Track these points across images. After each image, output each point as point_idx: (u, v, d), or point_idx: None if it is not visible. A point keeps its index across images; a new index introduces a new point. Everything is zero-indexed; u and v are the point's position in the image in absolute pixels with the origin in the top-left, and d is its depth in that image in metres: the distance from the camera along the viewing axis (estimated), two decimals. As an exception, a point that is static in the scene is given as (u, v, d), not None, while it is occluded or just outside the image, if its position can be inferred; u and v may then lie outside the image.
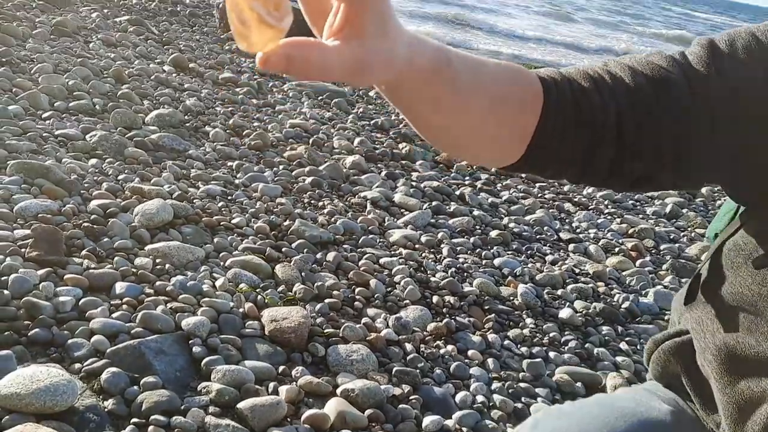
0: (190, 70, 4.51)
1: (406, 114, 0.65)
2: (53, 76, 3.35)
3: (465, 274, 2.39)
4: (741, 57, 0.65)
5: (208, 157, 2.95)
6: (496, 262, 2.55)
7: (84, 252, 1.89)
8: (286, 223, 2.42)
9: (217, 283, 1.92)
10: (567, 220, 3.30)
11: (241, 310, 1.82)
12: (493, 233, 2.82)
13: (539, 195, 3.65)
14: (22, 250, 1.81)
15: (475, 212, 3.05)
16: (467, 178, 3.66)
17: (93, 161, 2.54)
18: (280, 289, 1.99)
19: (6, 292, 1.61)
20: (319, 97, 4.85)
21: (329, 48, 0.49)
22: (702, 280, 0.80)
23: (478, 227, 2.90)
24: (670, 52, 0.70)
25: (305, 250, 2.26)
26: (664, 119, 0.65)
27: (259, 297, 1.90)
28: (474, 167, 3.90)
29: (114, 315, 1.66)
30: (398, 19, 0.54)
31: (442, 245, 2.59)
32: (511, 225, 2.99)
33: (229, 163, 2.94)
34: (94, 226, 2.03)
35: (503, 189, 3.62)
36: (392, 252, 2.46)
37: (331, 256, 2.26)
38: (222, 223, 2.31)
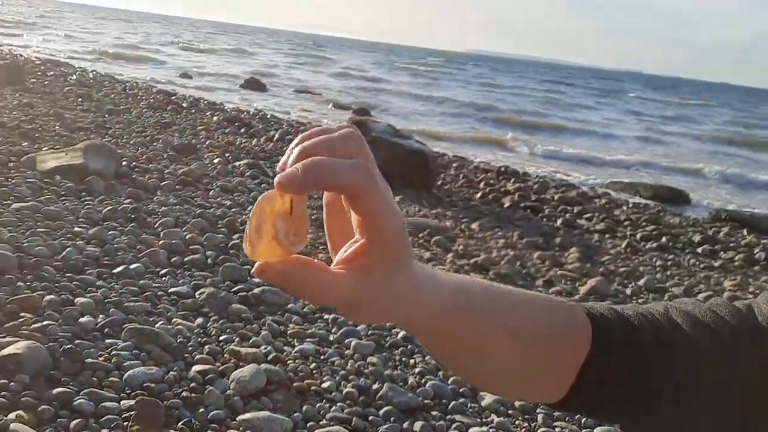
0: (297, 213, 4.78)
1: (432, 350, 0.62)
2: (173, 231, 3.67)
3: (561, 447, 2.27)
4: None
5: (306, 310, 3.06)
6: (597, 431, 2.40)
7: (180, 425, 1.98)
8: (375, 386, 2.43)
9: (302, 461, 1.94)
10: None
11: (323, 493, 1.82)
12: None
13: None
14: (125, 423, 1.93)
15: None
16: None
17: (199, 320, 2.70)
18: (364, 466, 1.97)
19: (105, 473, 1.71)
20: (419, 234, 4.96)
21: (329, 275, 0.48)
22: None
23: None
24: (736, 303, 0.66)
25: (392, 419, 2.25)
26: (730, 386, 0.61)
27: (343, 477, 1.89)
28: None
29: (200, 499, 1.70)
30: (419, 264, 0.54)
31: (537, 411, 2.49)
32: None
33: (326, 316, 3.03)
34: (192, 395, 2.14)
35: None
36: (483, 419, 2.38)
37: (418, 426, 2.22)
38: (312, 388, 2.35)
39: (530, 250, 5.25)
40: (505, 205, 6.98)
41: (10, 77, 8.19)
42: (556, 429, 2.39)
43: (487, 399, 2.49)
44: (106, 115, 7.25)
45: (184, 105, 9.74)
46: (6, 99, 6.87)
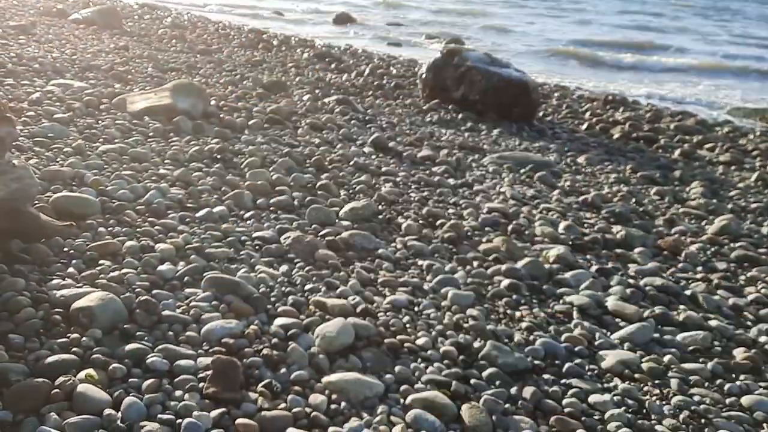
0: (390, 149, 4.50)
1: None
2: (259, 171, 3.48)
3: (702, 421, 1.90)
4: None
5: (399, 255, 2.80)
6: (745, 401, 2.01)
7: (260, 387, 1.79)
8: (477, 344, 2.14)
9: (394, 431, 1.70)
10: (840, 330, 2.59)
11: (418, 472, 1.57)
12: (739, 354, 2.27)
13: (798, 291, 2.95)
14: (201, 384, 1.76)
15: (713, 322, 2.50)
16: (700, 269, 3.09)
17: (284, 268, 2.50)
18: (466, 440, 1.71)
19: (177, 441, 1.54)
20: (521, 170, 4.55)
21: None
22: None
23: (717, 344, 2.36)
24: None
25: (497, 383, 1.96)
26: None
27: (441, 453, 1.64)
28: (708, 253, 3.29)
29: (279, 475, 1.50)
30: None
31: (669, 374, 2.12)
32: (763, 339, 2.40)
33: (420, 262, 2.75)
34: (274, 353, 1.94)
35: (748, 284, 2.98)
36: (604, 384, 2.05)
37: (528, 391, 1.93)
38: (406, 345, 2.10)
39: (646, 185, 4.72)
40: (615, 137, 6.38)
41: (108, 21, 8.27)
42: (694, 397, 2.02)
43: (609, 359, 2.15)
44: (198, 56, 7.18)
45: (275, 43, 9.57)
46: (103, 42, 6.90)
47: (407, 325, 2.22)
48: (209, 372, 1.79)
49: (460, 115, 6.26)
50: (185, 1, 16.11)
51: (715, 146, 6.29)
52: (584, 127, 6.67)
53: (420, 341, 2.13)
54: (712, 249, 3.40)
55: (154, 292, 2.15)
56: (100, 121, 3.90)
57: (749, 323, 2.57)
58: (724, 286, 2.90)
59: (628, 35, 17.53)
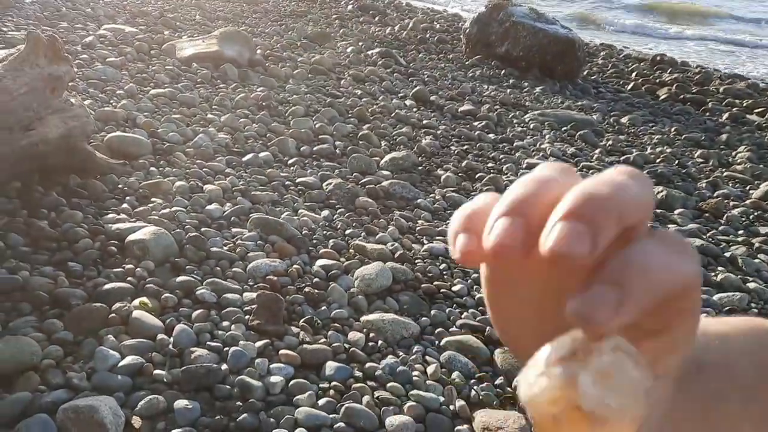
0: (431, 103, 4.50)
1: None
2: (302, 119, 3.54)
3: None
4: None
5: (437, 206, 2.85)
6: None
7: (302, 322, 1.88)
8: (512, 293, 2.20)
9: (429, 370, 1.77)
10: None
11: (451, 407, 1.65)
12: (772, 316, 2.27)
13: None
14: (246, 317, 1.85)
15: (751, 284, 2.50)
16: (742, 232, 3.06)
17: (325, 213, 2.58)
18: (498, 381, 1.78)
19: (224, 366, 1.65)
20: (563, 128, 4.51)
21: None
22: None
23: (754, 306, 2.36)
24: None
25: (530, 330, 2.02)
26: None
27: (473, 392, 1.71)
28: (751, 218, 3.26)
29: (320, 402, 1.60)
30: None
31: (700, 331, 2.15)
32: (799, 304, 2.40)
33: (459, 214, 2.80)
34: (315, 291, 2.03)
35: (790, 248, 2.95)
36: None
37: (559, 340, 1.98)
38: (442, 291, 2.17)
39: (690, 148, 4.63)
40: (661, 98, 6.22)
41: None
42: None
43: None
44: (244, 5, 7.20)
45: (320, -7, 9.50)
46: (150, -10, 6.96)
47: (444, 273, 2.29)
48: (254, 306, 1.89)
49: (503, 72, 6.18)
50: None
51: (766, 111, 6.09)
52: (630, 87, 6.52)
53: (456, 288, 2.19)
54: (756, 213, 3.36)
55: (203, 229, 2.25)
56: (150, 66, 3.99)
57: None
58: (766, 250, 2.88)
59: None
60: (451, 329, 1.98)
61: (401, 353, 1.84)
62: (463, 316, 2.05)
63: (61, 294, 1.77)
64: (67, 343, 1.65)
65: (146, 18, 5.26)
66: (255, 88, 4.00)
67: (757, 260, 2.74)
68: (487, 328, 1.98)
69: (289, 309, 1.94)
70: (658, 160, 4.13)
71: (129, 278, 1.92)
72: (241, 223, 2.37)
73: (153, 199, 2.39)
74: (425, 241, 2.50)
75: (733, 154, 4.58)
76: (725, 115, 5.72)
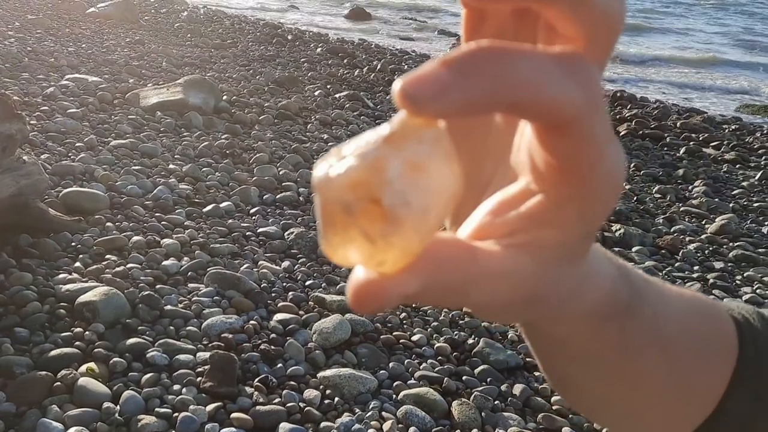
0: (398, 145, 4.53)
1: (542, 362, 0.45)
2: (266, 167, 3.53)
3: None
4: None
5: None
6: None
7: (256, 381, 1.84)
8: (471, 341, 2.18)
9: (385, 427, 1.74)
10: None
11: (406, 466, 1.62)
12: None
13: (800, 289, 2.95)
14: (199, 379, 1.81)
15: (709, 322, 2.52)
16: (697, 268, 3.09)
17: (286, 263, 2.55)
18: (454, 436, 1.75)
19: (172, 433, 1.60)
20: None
21: (491, 259, 0.29)
22: None
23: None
24: None
25: (488, 380, 2.00)
26: None
27: (429, 449, 1.68)
28: (706, 252, 3.30)
29: (270, 467, 1.56)
30: None
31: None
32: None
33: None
34: (272, 348, 1.99)
35: (744, 283, 2.98)
36: (596, 383, 2.08)
37: (518, 389, 1.96)
38: (401, 341, 2.14)
39: (649, 184, 4.70)
40: (621, 133, 6.33)
41: (124, 15, 8.36)
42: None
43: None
44: (212, 50, 7.25)
45: (289, 37, 9.61)
46: (119, 36, 6.99)
47: (404, 322, 2.27)
48: (207, 366, 1.85)
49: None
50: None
51: (721, 144, 6.22)
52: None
53: (415, 337, 2.17)
54: (711, 248, 3.40)
55: (158, 287, 2.21)
56: (112, 116, 3.97)
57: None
58: (720, 285, 2.90)
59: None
60: (409, 381, 1.95)
61: (358, 410, 1.80)
62: (421, 367, 2.03)
63: (5, 363, 1.72)
64: (9, 415, 1.59)
65: (111, 66, 5.26)
66: (219, 135, 4.00)
67: (711, 297, 2.76)
68: (445, 379, 1.96)
69: (243, 368, 1.90)
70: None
71: (77, 342, 1.87)
72: (198, 278, 2.33)
73: (107, 257, 2.35)
74: (386, 290, 2.48)
75: (690, 188, 4.66)
76: (682, 150, 5.83)
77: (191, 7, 12.12)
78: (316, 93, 5.76)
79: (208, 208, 2.92)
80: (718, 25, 17.23)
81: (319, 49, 8.58)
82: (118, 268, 2.27)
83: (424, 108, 0.24)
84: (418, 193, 0.24)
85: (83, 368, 1.76)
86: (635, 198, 4.19)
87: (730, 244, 3.49)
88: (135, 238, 2.50)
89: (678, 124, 6.92)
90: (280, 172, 3.50)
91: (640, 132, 6.38)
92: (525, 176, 0.30)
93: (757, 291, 2.92)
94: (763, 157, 5.87)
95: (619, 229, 3.34)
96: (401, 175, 0.24)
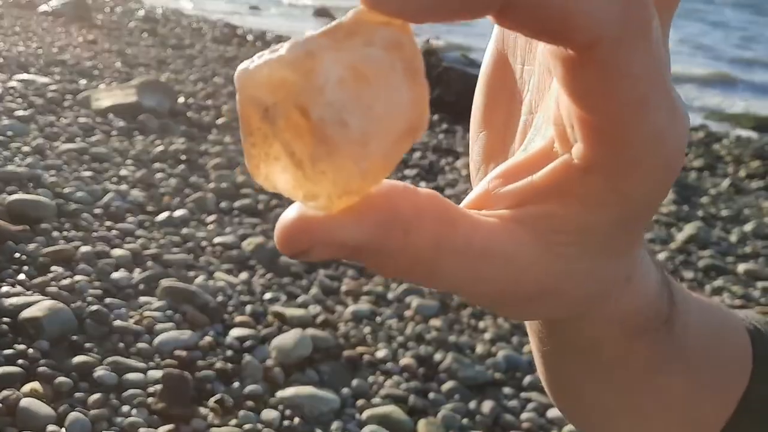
0: (360, 151, 4.46)
1: (548, 369, 0.40)
2: (224, 173, 3.42)
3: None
4: None
5: (364, 262, 2.76)
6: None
7: (212, 402, 1.74)
8: (438, 356, 2.11)
9: (348, 449, 1.66)
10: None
11: (370, 492, 1.54)
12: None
13: (763, 300, 2.98)
14: (150, 400, 1.70)
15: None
16: (663, 277, 3.10)
17: (243, 275, 2.45)
18: (421, 458, 1.68)
19: (120, 461, 1.49)
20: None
21: (476, 234, 0.22)
22: None
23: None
24: None
25: (456, 397, 1.93)
26: None
27: (394, 473, 1.61)
28: (676, 261, 3.31)
29: (226, 497, 1.46)
30: None
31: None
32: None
33: (385, 269, 2.72)
34: (228, 366, 1.89)
35: (714, 294, 3.00)
36: (564, 398, 2.04)
37: (487, 406, 1.90)
38: (365, 357, 2.06)
39: (617, 191, 4.73)
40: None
41: (77, 14, 8.09)
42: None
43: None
44: (169, 50, 7.06)
45: (249, 38, 9.46)
46: (71, 36, 6.75)
47: (368, 336, 2.19)
48: (159, 386, 1.74)
49: (435, 116, 6.23)
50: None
51: (689, 151, 6.33)
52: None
53: (380, 353, 2.09)
54: (680, 258, 3.42)
55: (107, 300, 2.09)
56: (62, 119, 3.80)
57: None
58: (689, 295, 2.91)
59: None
60: (373, 400, 1.88)
61: (319, 431, 1.72)
62: (386, 384, 1.95)
63: (-64, 387, 1.59)
64: (-61, 443, 1.46)
65: (62, 67, 5.06)
66: (175, 139, 3.86)
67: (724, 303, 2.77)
68: (411, 396, 1.89)
69: (198, 387, 1.80)
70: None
71: (20, 360, 1.74)
72: (150, 291, 2.21)
73: (53, 268, 2.21)
74: (350, 302, 2.40)
75: (657, 195, 4.70)
76: (648, 156, 5.90)
77: (148, 6, 11.85)
78: (277, 97, 5.65)
79: (162, 216, 2.79)
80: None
81: (280, 52, 8.48)
82: (64, 281, 2.14)
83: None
84: (359, 112, 0.19)
85: (26, 388, 1.64)
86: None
87: (700, 252, 3.52)
88: (83, 248, 2.36)
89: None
90: (239, 179, 3.39)
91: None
92: (549, 134, 0.23)
93: (726, 301, 2.93)
94: (730, 165, 5.99)
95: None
96: (339, 82, 0.18)
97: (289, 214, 0.21)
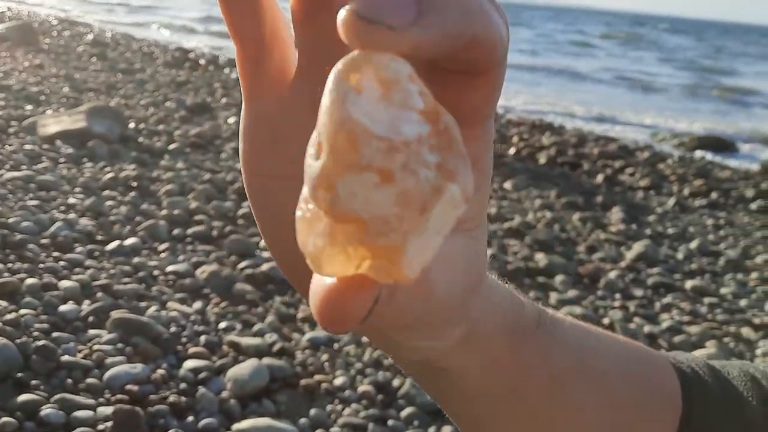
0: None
1: (449, 406, 0.42)
2: (176, 200, 3.36)
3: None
4: None
5: (320, 288, 2.74)
6: None
7: (164, 438, 1.69)
8: (396, 382, 2.11)
9: (307, 482, 1.63)
10: (747, 354, 2.69)
11: None
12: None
13: (710, 317, 3.06)
14: (99, 438, 1.64)
15: (627, 351, 2.56)
16: (618, 296, 3.16)
17: (197, 305, 2.40)
18: (381, 487, 1.66)
19: (67, 505, 1.43)
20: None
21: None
22: None
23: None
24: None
25: (416, 423, 1.92)
26: None
27: (354, 504, 1.58)
28: (626, 280, 3.39)
29: None
30: None
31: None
32: (673, 367, 2.47)
33: (342, 295, 2.70)
34: (182, 399, 1.84)
35: (663, 311, 3.07)
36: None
37: (446, 431, 1.90)
38: (323, 385, 2.04)
39: (570, 211, 4.83)
40: (541, 162, 6.52)
41: (23, 38, 7.89)
42: None
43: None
44: (119, 75, 6.95)
45: (202, 62, 9.38)
46: (16, 61, 6.58)
47: (325, 364, 2.16)
48: (109, 423, 1.68)
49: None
50: (111, 18, 15.68)
51: (635, 171, 6.52)
52: (512, 151, 6.80)
53: (338, 381, 2.07)
54: (630, 276, 3.50)
55: (54, 335, 2.02)
56: (6, 146, 3.69)
57: (663, 349, 2.63)
58: (641, 313, 2.98)
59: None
60: (332, 429, 1.85)
61: (277, 465, 1.68)
62: (344, 413, 1.93)
63: None
64: None
65: (7, 92, 4.92)
66: (126, 165, 3.79)
67: (632, 325, 2.82)
68: (370, 425, 1.87)
69: (150, 423, 1.74)
70: (539, 225, 4.25)
71: (-42, 403, 1.66)
72: (100, 324, 2.15)
73: (-3, 302, 2.13)
74: (307, 329, 2.38)
75: (608, 215, 4.82)
76: (600, 177, 6.06)
77: (97, 30, 11.66)
78: (230, 120, 5.60)
79: (112, 245, 2.72)
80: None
81: (234, 74, 8.41)
82: (9, 315, 2.05)
83: (390, 39, 0.20)
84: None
85: (-37, 434, 1.56)
86: (557, 225, 4.28)
87: (648, 270, 3.60)
88: (29, 280, 2.28)
89: (595, 152, 7.20)
90: (192, 205, 3.33)
91: (559, 160, 6.58)
92: None
93: (675, 318, 3.01)
94: (675, 184, 6.18)
95: (544, 259, 3.38)
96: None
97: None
